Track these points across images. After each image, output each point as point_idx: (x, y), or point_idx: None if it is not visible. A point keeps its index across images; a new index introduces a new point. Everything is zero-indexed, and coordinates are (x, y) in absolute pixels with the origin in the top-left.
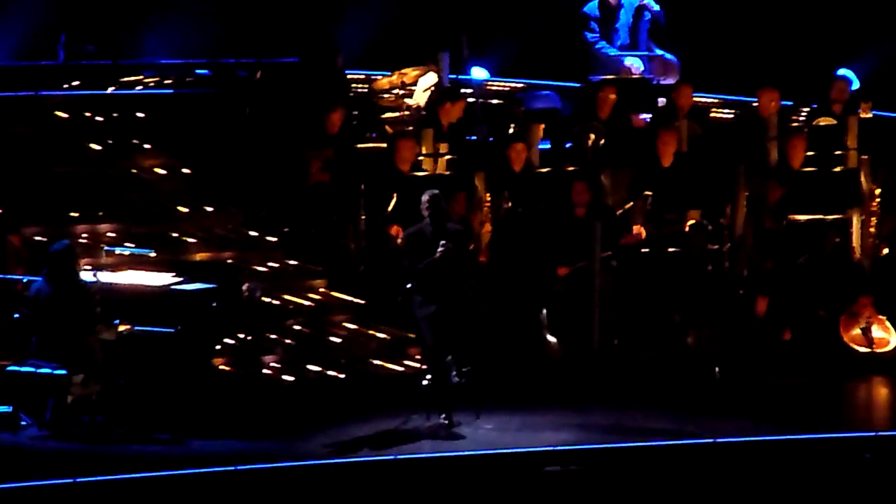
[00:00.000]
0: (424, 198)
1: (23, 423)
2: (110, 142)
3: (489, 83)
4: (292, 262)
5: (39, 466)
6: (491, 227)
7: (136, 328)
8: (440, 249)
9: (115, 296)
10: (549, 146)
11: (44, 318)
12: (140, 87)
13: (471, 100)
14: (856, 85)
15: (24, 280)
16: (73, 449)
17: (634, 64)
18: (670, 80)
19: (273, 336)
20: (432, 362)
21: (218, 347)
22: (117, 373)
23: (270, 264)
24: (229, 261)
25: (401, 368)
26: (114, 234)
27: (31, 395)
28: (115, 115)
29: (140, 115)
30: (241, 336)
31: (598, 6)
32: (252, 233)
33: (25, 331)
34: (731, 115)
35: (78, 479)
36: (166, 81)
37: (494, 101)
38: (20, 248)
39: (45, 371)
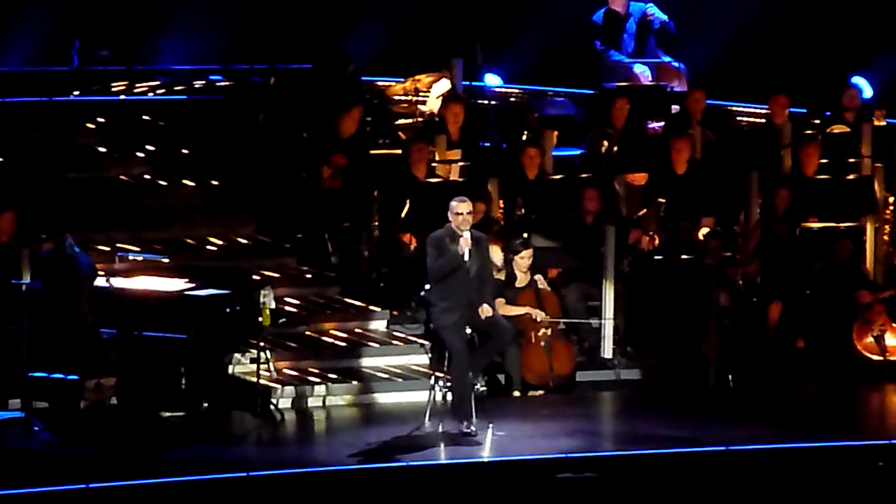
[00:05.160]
0: (454, 204)
1: (35, 428)
2: (125, 147)
3: None
4: (305, 269)
5: (52, 472)
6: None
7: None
8: (464, 248)
9: (129, 301)
10: (563, 153)
11: (48, 322)
12: (151, 94)
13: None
14: (868, 93)
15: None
16: (85, 454)
17: (643, 71)
18: (677, 87)
19: (285, 342)
20: (458, 370)
21: (234, 353)
22: (131, 370)
23: (284, 270)
24: (244, 268)
25: (416, 376)
26: (127, 240)
27: (43, 401)
28: (128, 120)
29: (149, 119)
30: (256, 342)
31: (606, 15)
32: (266, 239)
33: (35, 336)
34: (746, 123)
35: (90, 485)
36: (176, 88)
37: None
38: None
39: (58, 376)
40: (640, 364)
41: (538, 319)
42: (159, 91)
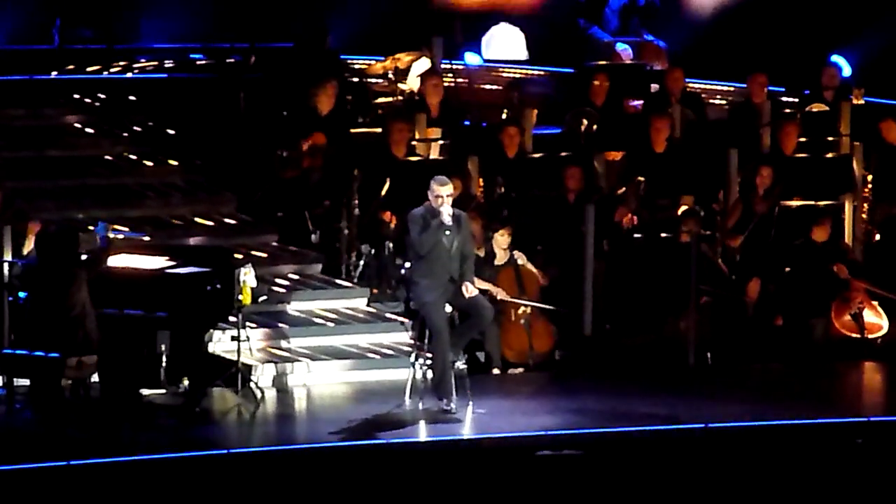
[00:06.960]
0: (434, 186)
1: (17, 406)
2: (106, 126)
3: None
4: (286, 247)
5: (31, 449)
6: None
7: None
8: (444, 219)
9: (109, 278)
10: (543, 132)
11: (37, 300)
12: (130, 73)
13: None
14: (847, 71)
15: (20, 263)
16: (66, 432)
17: (625, 49)
18: (657, 66)
19: (266, 320)
20: (438, 347)
21: (214, 331)
22: (112, 348)
23: (265, 249)
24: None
25: (396, 353)
26: (108, 218)
27: (25, 378)
28: (109, 98)
29: (131, 98)
30: (236, 320)
31: None
32: (247, 217)
33: (21, 313)
34: (725, 102)
35: (71, 462)
36: (149, 66)
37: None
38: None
39: (40, 354)
40: (619, 342)
41: (498, 297)
42: (138, 70)
